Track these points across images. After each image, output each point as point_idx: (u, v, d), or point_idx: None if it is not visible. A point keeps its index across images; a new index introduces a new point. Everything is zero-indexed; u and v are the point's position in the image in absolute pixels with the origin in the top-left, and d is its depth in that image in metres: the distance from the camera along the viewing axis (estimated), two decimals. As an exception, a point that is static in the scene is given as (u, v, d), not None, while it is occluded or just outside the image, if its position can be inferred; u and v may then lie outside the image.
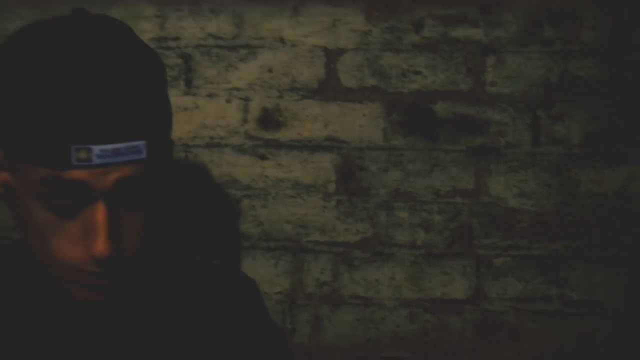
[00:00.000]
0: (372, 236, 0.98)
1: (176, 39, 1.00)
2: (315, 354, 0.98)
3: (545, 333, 0.97)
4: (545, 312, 0.97)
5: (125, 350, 0.59)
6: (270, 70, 0.99)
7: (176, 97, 0.99)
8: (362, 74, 0.98)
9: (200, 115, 1.00)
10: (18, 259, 0.62)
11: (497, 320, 0.97)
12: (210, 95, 0.99)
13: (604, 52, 0.96)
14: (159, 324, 0.62)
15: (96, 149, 0.48)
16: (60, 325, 0.58)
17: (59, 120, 0.48)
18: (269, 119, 0.99)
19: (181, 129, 0.99)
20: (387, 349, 0.98)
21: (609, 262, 0.96)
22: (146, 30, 0.99)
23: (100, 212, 0.50)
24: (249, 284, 0.72)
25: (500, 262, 0.97)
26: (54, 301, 0.59)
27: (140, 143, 0.51)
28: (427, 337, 0.98)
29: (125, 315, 0.61)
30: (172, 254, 0.71)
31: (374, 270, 0.98)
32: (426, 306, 0.98)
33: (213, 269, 0.71)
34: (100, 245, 0.50)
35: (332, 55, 0.98)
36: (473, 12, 0.97)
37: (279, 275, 0.99)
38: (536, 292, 0.97)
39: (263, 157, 0.99)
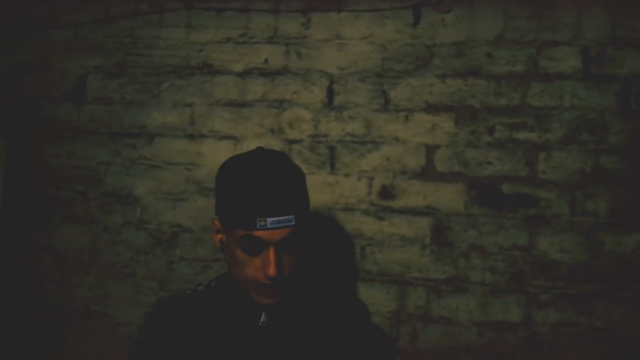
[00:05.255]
0: (454, 275, 1.41)
1: (325, 135, 1.47)
2: (412, 356, 1.42)
3: (576, 349, 1.34)
4: (577, 334, 1.34)
5: (286, 338, 1.01)
6: (388, 159, 1.44)
7: (324, 176, 1.45)
8: (451, 163, 1.42)
9: (339, 188, 1.46)
10: (228, 282, 1.07)
11: (542, 338, 1.36)
12: (346, 175, 1.46)
13: (626, 151, 1.34)
14: (305, 325, 1.04)
15: (269, 220, 0.92)
16: (249, 319, 1.01)
17: (251, 205, 0.92)
18: (386, 192, 1.44)
19: (326, 197, 1.46)
20: (462, 355, 1.41)
21: (624, 301, 1.33)
22: (305, 129, 1.47)
23: (271, 253, 0.93)
24: (362, 306, 1.15)
25: (544, 297, 1.37)
26: (245, 305, 1.02)
27: (292, 216, 0.94)
28: (490, 348, 1.40)
29: (285, 317, 1.03)
30: (313, 285, 1.14)
31: (455, 299, 1.41)
32: (491, 326, 1.40)
33: (337, 295, 1.14)
34: (272, 270, 0.92)
35: (430, 149, 1.43)
36: (531, 121, 1.39)
37: (389, 300, 1.43)
38: (570, 319, 1.35)
39: (381, 219, 1.44)
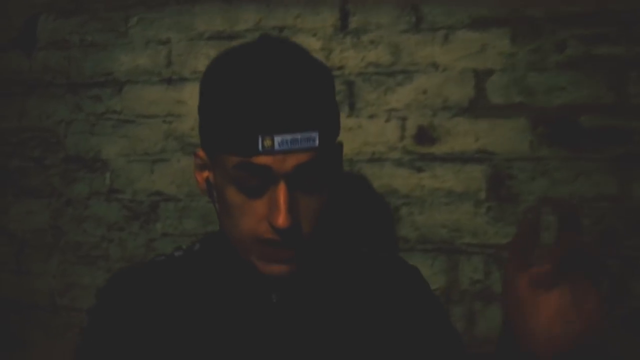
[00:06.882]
0: (521, 239, 1.07)
1: (340, 68, 1.14)
2: (469, 345, 1.09)
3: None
4: (690, 309, 1.03)
5: (302, 324, 0.70)
6: (424, 92, 1.11)
7: (342, 119, 1.11)
8: (509, 92, 1.08)
9: (362, 134, 1.13)
10: (218, 244, 0.75)
11: (643, 315, 1.04)
12: (371, 116, 1.13)
13: None
14: (334, 304, 0.72)
15: (278, 138, 0.59)
16: (251, 296, 0.70)
17: (250, 116, 0.60)
18: (424, 136, 1.11)
19: (346, 146, 1.11)
20: (536, 342, 1.07)
21: None
22: (314, 61, 1.14)
23: (281, 191, 0.61)
24: (413, 270, 0.83)
25: (644, 262, 1.04)
26: (245, 276, 0.70)
27: (313, 134, 0.61)
28: (573, 331, 1.06)
29: (303, 293, 0.71)
30: (342, 245, 0.82)
31: (523, 270, 1.07)
32: (573, 303, 1.06)
33: (380, 258, 0.82)
34: (282, 218, 0.60)
35: (481, 76, 1.09)
36: (614, 30, 1.04)
37: (435, 274, 1.10)
38: (681, 289, 1.03)
39: (420, 170, 1.11)
